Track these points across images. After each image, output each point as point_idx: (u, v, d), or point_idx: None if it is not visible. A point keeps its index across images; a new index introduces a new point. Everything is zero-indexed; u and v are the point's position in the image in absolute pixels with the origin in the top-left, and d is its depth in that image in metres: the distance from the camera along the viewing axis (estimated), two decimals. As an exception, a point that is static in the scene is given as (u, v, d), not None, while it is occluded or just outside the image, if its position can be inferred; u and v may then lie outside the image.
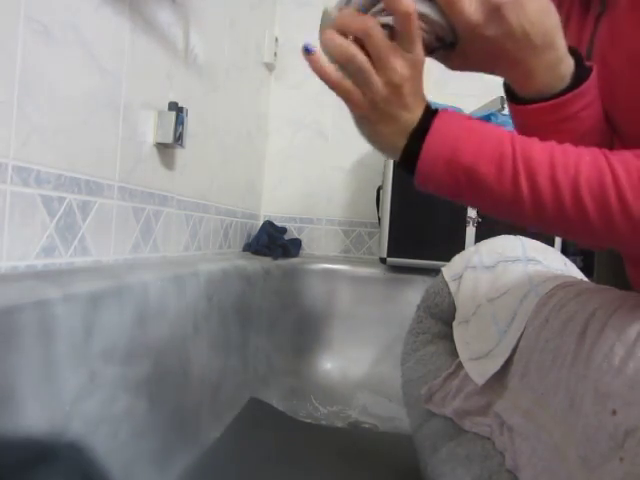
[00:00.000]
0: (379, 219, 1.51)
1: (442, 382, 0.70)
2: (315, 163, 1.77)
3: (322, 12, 0.44)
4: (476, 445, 0.61)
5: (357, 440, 1.08)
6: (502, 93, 0.53)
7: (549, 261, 0.71)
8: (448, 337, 0.76)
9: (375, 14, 0.42)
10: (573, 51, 0.47)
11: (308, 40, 0.43)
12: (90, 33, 0.76)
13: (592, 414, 0.45)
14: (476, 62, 0.48)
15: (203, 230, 1.26)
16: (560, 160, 0.42)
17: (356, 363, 1.41)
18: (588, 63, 0.48)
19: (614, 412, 0.43)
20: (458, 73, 0.51)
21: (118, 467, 0.67)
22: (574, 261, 0.77)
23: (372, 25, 0.41)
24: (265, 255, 1.49)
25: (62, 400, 0.58)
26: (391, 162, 1.41)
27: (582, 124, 0.49)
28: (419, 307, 0.83)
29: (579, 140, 0.45)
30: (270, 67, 1.77)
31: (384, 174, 1.46)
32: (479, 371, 0.63)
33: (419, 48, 0.42)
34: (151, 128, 0.97)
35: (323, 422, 1.17)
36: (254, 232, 1.68)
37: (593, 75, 0.47)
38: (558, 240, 1.33)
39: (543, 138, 0.44)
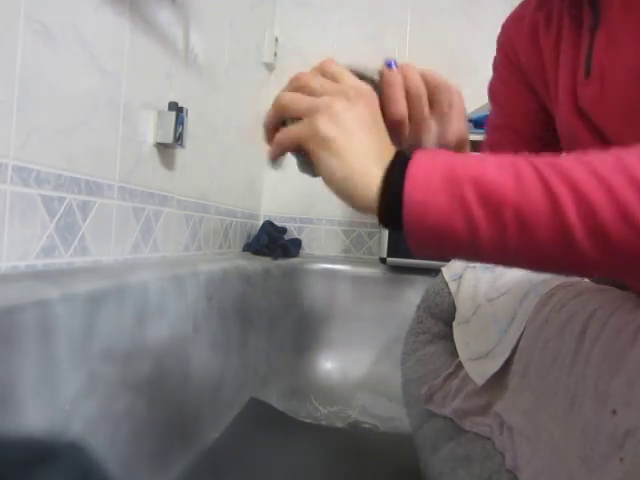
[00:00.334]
0: (379, 219, 1.51)
1: (442, 382, 0.70)
2: (315, 163, 1.77)
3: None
4: (476, 445, 0.61)
5: (357, 440, 1.08)
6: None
7: (549, 261, 0.71)
8: (448, 337, 0.76)
9: None
10: None
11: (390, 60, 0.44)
12: (90, 33, 0.76)
13: (592, 414, 0.45)
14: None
15: (203, 230, 1.26)
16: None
17: (356, 363, 1.41)
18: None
19: (614, 412, 0.43)
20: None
21: (118, 467, 0.67)
22: (574, 261, 0.77)
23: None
24: (265, 255, 1.49)
25: (62, 400, 0.58)
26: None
27: None
28: (419, 307, 0.83)
29: None
30: (270, 67, 1.77)
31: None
32: (479, 371, 0.63)
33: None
34: (151, 128, 0.97)
35: (323, 422, 1.17)
36: (254, 232, 1.68)
37: None
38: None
39: None
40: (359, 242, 1.79)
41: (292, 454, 0.95)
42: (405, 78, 0.44)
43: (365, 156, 0.38)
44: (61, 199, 0.73)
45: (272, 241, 1.58)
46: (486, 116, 1.37)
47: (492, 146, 0.74)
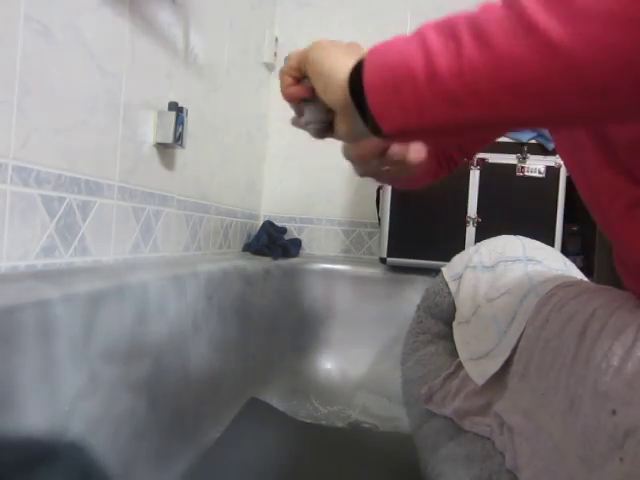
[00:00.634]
0: (379, 219, 1.51)
1: (442, 382, 0.71)
2: (315, 163, 1.77)
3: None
4: (476, 445, 0.61)
5: (357, 440, 1.08)
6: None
7: (549, 261, 0.71)
8: (448, 337, 0.76)
9: None
10: None
11: None
12: (90, 33, 0.76)
13: (592, 414, 0.45)
14: None
15: (203, 230, 1.26)
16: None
17: (356, 363, 1.41)
18: None
19: (614, 412, 0.43)
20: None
21: (118, 467, 0.67)
22: (574, 261, 0.77)
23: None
24: (265, 255, 1.49)
25: (62, 400, 0.58)
26: (391, 162, 1.41)
27: None
28: (419, 307, 0.83)
29: None
30: (270, 67, 1.77)
31: (384, 174, 1.46)
32: (479, 371, 0.63)
33: None
34: (151, 128, 0.97)
35: (323, 422, 1.17)
36: (254, 232, 1.68)
37: None
38: (558, 240, 1.33)
39: None
40: (359, 242, 1.79)
41: (292, 454, 0.95)
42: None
43: (345, 54, 0.44)
44: (61, 199, 0.73)
45: (272, 241, 1.58)
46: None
47: None
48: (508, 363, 0.60)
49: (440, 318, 0.79)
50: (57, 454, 0.57)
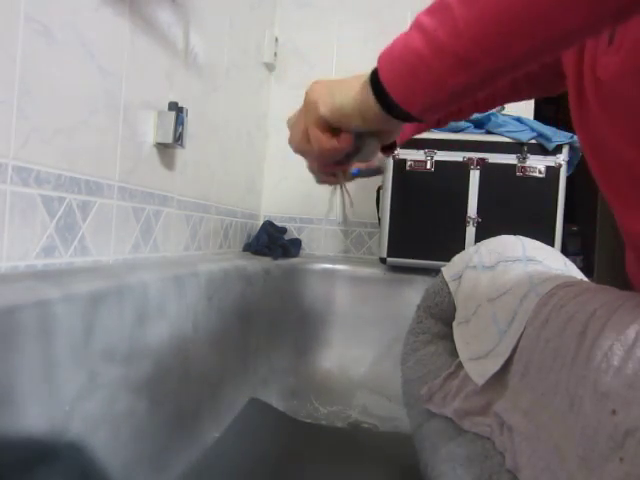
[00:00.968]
0: (379, 219, 1.51)
1: (442, 382, 0.70)
2: (315, 163, 1.77)
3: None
4: (476, 445, 0.61)
5: (357, 440, 1.08)
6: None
7: (549, 261, 0.71)
8: (448, 337, 0.76)
9: None
10: None
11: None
12: (90, 33, 0.76)
13: (592, 414, 0.45)
14: None
15: (203, 230, 1.26)
16: None
17: (356, 363, 1.41)
18: None
19: (614, 412, 0.43)
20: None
21: (118, 467, 0.67)
22: (574, 261, 0.77)
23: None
24: (265, 255, 1.49)
25: (62, 400, 0.58)
26: (391, 162, 1.41)
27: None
28: (419, 307, 0.83)
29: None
30: (270, 67, 1.77)
31: (384, 174, 1.46)
32: (479, 371, 0.63)
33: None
34: (151, 128, 0.97)
35: (323, 422, 1.17)
36: (254, 232, 1.68)
37: None
38: (558, 240, 1.33)
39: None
40: (359, 242, 1.79)
41: (292, 454, 0.95)
42: None
43: (346, 82, 0.48)
44: (61, 199, 0.73)
45: (272, 241, 1.58)
46: (490, 115, 1.38)
47: None
48: (508, 363, 0.60)
49: (440, 318, 0.79)
50: (57, 454, 0.57)
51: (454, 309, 0.76)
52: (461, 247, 0.86)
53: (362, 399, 1.29)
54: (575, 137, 1.34)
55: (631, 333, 0.45)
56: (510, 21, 0.36)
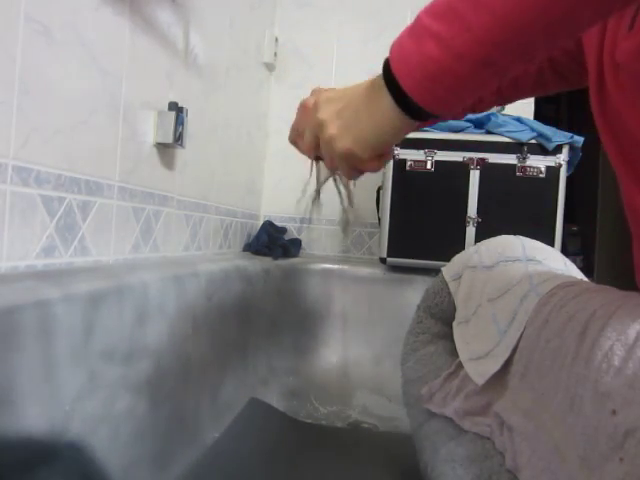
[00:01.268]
0: (379, 219, 1.51)
1: (442, 382, 0.70)
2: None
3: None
4: (476, 445, 0.61)
5: (357, 440, 1.08)
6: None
7: (549, 261, 0.71)
8: (448, 337, 0.76)
9: None
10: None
11: None
12: (90, 33, 0.76)
13: (592, 414, 0.45)
14: None
15: (203, 230, 1.26)
16: None
17: (356, 363, 1.41)
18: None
19: (614, 412, 0.43)
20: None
21: (118, 467, 0.67)
22: (574, 261, 0.77)
23: None
24: (265, 255, 1.49)
25: (62, 400, 0.58)
26: (391, 162, 1.41)
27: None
28: (419, 307, 0.83)
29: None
30: (270, 67, 1.77)
31: (384, 174, 1.46)
32: (479, 371, 0.63)
33: None
34: (151, 128, 0.97)
35: (323, 422, 1.17)
36: (254, 232, 1.68)
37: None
38: (558, 240, 1.33)
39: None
40: (359, 242, 1.79)
41: (292, 454, 0.95)
42: None
43: (359, 107, 0.48)
44: (61, 199, 0.73)
45: (272, 241, 1.58)
46: (490, 115, 1.38)
47: None
48: (508, 363, 0.60)
49: (440, 318, 0.79)
50: (57, 454, 0.57)
51: (454, 309, 0.76)
52: (461, 247, 0.86)
53: (362, 399, 1.29)
54: (575, 137, 1.34)
55: (631, 333, 0.45)
56: (528, 23, 0.37)
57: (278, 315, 1.40)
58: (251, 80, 1.62)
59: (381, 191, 1.49)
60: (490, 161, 1.37)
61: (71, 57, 0.73)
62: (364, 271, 1.50)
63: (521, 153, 1.35)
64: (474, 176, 1.37)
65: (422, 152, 1.39)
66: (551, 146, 1.33)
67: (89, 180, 0.79)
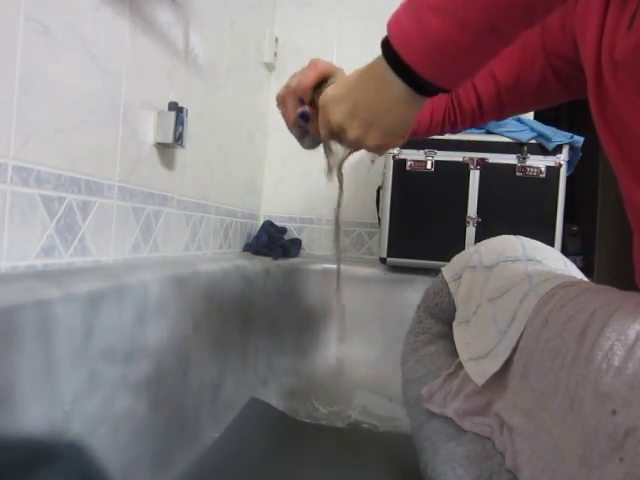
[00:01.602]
0: (379, 219, 1.51)
1: (442, 382, 0.70)
2: (315, 163, 1.77)
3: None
4: (476, 445, 0.61)
5: (357, 440, 1.08)
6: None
7: (549, 261, 0.71)
8: (448, 337, 0.76)
9: None
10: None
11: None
12: (90, 33, 0.76)
13: (592, 414, 0.45)
14: None
15: (203, 230, 1.26)
16: None
17: (356, 363, 1.41)
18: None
19: (614, 412, 0.43)
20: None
21: (118, 467, 0.67)
22: (574, 261, 0.77)
23: None
24: (265, 255, 1.49)
25: (62, 400, 0.58)
26: (391, 162, 1.41)
27: None
28: (419, 307, 0.83)
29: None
30: (270, 67, 1.77)
31: (384, 174, 1.46)
32: (479, 371, 0.63)
33: None
34: (151, 128, 0.97)
35: (323, 422, 1.17)
36: (254, 232, 1.68)
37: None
38: (558, 240, 1.33)
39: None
40: (359, 242, 1.79)
41: (292, 454, 0.95)
42: None
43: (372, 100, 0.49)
44: (61, 199, 0.73)
45: (272, 241, 1.58)
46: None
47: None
48: (508, 363, 0.60)
49: (440, 318, 0.79)
50: (57, 454, 0.57)
51: (454, 309, 0.76)
52: (461, 247, 0.86)
53: (362, 399, 1.29)
54: (575, 137, 1.34)
55: (631, 333, 0.45)
56: None
57: (278, 315, 1.40)
58: (251, 80, 1.62)
59: (381, 191, 1.49)
60: (490, 161, 1.37)
61: (71, 57, 0.73)
62: (364, 271, 1.50)
63: (521, 153, 1.35)
64: (474, 176, 1.37)
65: (422, 152, 1.39)
66: (551, 146, 1.33)
67: (89, 180, 0.79)
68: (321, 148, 0.62)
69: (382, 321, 1.43)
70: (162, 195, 1.03)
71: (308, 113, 0.55)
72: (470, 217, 1.37)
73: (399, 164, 1.41)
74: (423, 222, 1.40)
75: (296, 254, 1.64)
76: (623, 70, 0.50)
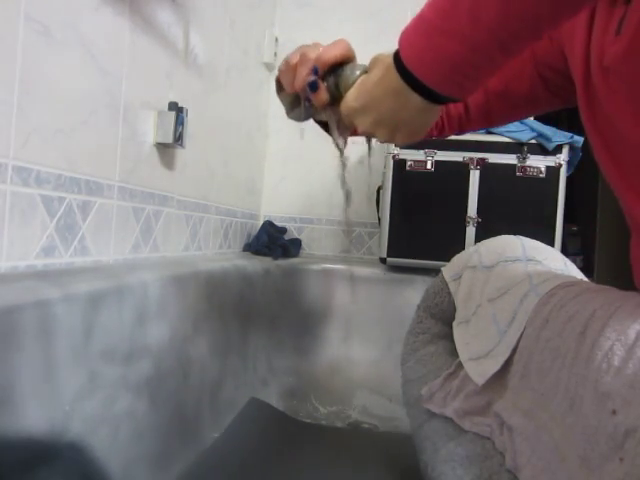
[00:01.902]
0: (379, 219, 1.51)
1: (442, 382, 0.70)
2: (315, 163, 1.77)
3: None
4: (476, 445, 0.61)
5: (357, 440, 1.08)
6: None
7: (549, 261, 0.71)
8: (448, 337, 0.76)
9: None
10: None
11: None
12: (90, 33, 0.76)
13: (592, 414, 0.45)
14: None
15: (203, 230, 1.26)
16: None
17: (356, 363, 1.41)
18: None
19: (614, 412, 0.43)
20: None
21: (118, 467, 0.67)
22: (574, 261, 0.77)
23: None
24: (265, 255, 1.49)
25: (62, 400, 0.58)
26: (391, 162, 1.41)
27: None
28: (419, 307, 0.83)
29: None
30: (270, 67, 1.77)
31: (384, 174, 1.46)
32: (479, 371, 0.63)
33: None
34: (151, 128, 0.97)
35: (323, 422, 1.17)
36: (254, 232, 1.68)
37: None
38: (558, 240, 1.33)
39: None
40: (359, 242, 1.79)
41: (292, 454, 0.95)
42: None
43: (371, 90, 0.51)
44: (61, 199, 0.73)
45: (272, 241, 1.58)
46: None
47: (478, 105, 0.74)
48: (508, 363, 0.60)
49: (440, 318, 0.79)
50: (57, 454, 0.57)
51: (454, 309, 0.76)
52: (461, 247, 0.86)
53: (362, 399, 1.29)
54: (575, 137, 1.34)
55: (631, 333, 0.45)
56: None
57: (278, 315, 1.40)
58: (251, 80, 1.62)
59: (381, 191, 1.49)
60: (490, 161, 1.37)
61: (71, 57, 0.73)
62: (364, 271, 1.50)
63: (521, 153, 1.35)
64: (474, 176, 1.37)
65: (422, 152, 1.39)
66: (551, 146, 1.33)
67: (89, 180, 0.79)
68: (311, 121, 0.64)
69: (382, 321, 1.43)
70: (162, 195, 1.03)
71: (318, 84, 0.55)
72: (470, 217, 1.37)
73: (399, 164, 1.41)
74: (423, 222, 1.40)
75: (296, 254, 1.64)
76: (614, 76, 0.50)
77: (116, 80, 0.84)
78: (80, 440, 0.60)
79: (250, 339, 1.24)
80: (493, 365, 0.61)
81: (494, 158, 1.37)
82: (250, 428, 1.03)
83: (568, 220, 1.41)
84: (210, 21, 1.22)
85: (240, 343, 1.18)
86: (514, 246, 0.73)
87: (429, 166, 1.40)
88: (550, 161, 1.35)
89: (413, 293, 1.30)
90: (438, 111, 0.50)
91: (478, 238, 1.34)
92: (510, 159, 1.36)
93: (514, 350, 0.59)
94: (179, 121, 0.98)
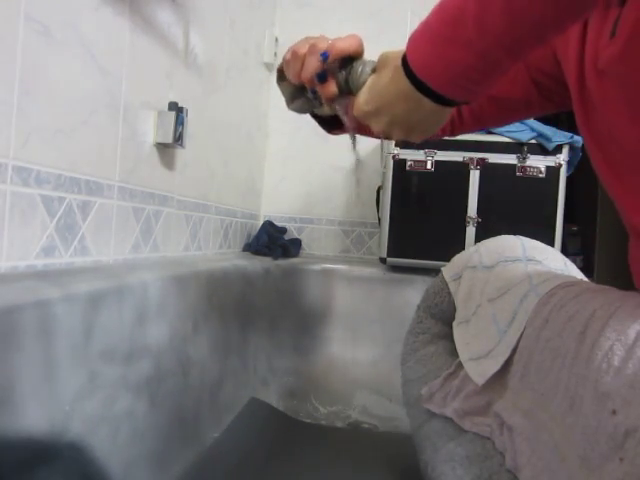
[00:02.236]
0: (379, 219, 1.51)
1: (442, 382, 0.71)
2: (315, 163, 1.77)
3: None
4: (476, 445, 0.61)
5: (357, 440, 1.08)
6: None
7: (549, 261, 0.71)
8: (448, 337, 0.76)
9: None
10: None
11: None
12: (90, 33, 0.76)
13: (592, 414, 0.45)
14: None
15: (203, 230, 1.26)
16: None
17: (356, 363, 1.41)
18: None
19: (614, 412, 0.43)
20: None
21: (118, 467, 0.67)
22: (574, 261, 0.77)
23: None
24: (265, 255, 1.49)
25: (62, 400, 0.58)
26: (391, 162, 1.41)
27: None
28: (419, 307, 0.83)
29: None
30: (270, 67, 1.77)
31: (384, 174, 1.46)
32: (479, 371, 0.63)
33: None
34: (151, 128, 0.97)
35: (323, 422, 1.17)
36: (254, 232, 1.68)
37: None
38: (558, 240, 1.33)
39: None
40: (359, 242, 1.79)
41: (292, 454, 0.95)
42: None
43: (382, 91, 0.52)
44: (61, 199, 0.73)
45: (272, 241, 1.58)
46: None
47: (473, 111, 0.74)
48: (508, 363, 0.60)
49: (440, 318, 0.79)
50: (57, 454, 0.57)
51: (454, 309, 0.76)
52: (461, 247, 0.86)
53: (362, 399, 1.29)
54: (575, 137, 1.34)
55: (631, 333, 0.45)
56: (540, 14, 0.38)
57: (278, 315, 1.40)
58: (251, 80, 1.62)
59: (381, 191, 1.49)
60: (490, 161, 1.37)
61: (71, 57, 0.73)
62: (364, 271, 1.50)
63: (521, 153, 1.35)
64: (474, 176, 1.37)
65: (422, 152, 1.39)
66: (551, 146, 1.33)
67: (89, 180, 0.79)
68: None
69: (382, 321, 1.43)
70: (162, 195, 1.03)
71: (327, 75, 0.55)
72: (470, 217, 1.37)
73: (399, 164, 1.41)
74: (423, 222, 1.40)
75: (296, 254, 1.64)
76: (609, 78, 0.50)
77: (116, 80, 0.84)
78: (80, 440, 0.60)
79: (250, 339, 1.24)
80: (493, 365, 0.61)
81: (494, 158, 1.37)
82: (250, 428, 1.03)
83: (568, 220, 1.41)
84: (210, 21, 1.22)
85: (240, 343, 1.18)
86: (514, 246, 0.73)
87: (429, 166, 1.40)
88: (550, 161, 1.35)
89: (413, 293, 1.30)
90: (447, 113, 0.51)
91: (478, 238, 1.34)
92: (510, 159, 1.36)
93: (514, 350, 0.59)
94: (179, 121, 0.98)
